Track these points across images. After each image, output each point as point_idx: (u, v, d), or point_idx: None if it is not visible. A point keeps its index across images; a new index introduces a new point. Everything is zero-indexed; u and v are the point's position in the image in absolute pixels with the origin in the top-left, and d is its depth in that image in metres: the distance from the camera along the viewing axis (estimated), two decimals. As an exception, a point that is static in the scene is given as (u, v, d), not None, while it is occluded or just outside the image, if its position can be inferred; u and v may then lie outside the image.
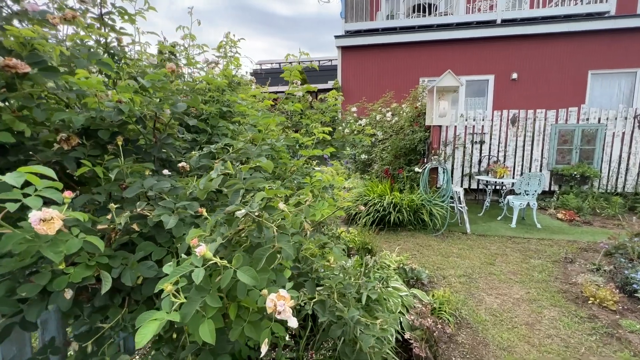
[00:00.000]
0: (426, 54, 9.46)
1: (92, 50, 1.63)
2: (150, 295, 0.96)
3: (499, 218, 6.14)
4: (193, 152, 1.29)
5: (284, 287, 0.77)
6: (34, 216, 0.67)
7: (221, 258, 0.73)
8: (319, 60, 20.21)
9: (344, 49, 10.05)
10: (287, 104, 2.01)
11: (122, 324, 0.93)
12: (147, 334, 0.60)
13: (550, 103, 8.36)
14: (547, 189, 7.41)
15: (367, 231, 4.16)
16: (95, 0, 1.56)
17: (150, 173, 1.16)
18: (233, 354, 1.00)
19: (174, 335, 0.93)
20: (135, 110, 1.07)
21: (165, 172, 1.28)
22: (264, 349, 0.72)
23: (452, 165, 7.67)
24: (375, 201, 5.43)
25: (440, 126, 5.43)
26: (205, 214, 0.85)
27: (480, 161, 7.61)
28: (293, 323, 0.75)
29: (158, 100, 1.13)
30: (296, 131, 2.67)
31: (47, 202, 0.75)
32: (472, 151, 7.58)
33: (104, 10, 1.60)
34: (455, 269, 4.02)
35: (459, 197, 5.46)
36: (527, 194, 5.59)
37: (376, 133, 7.49)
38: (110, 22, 1.67)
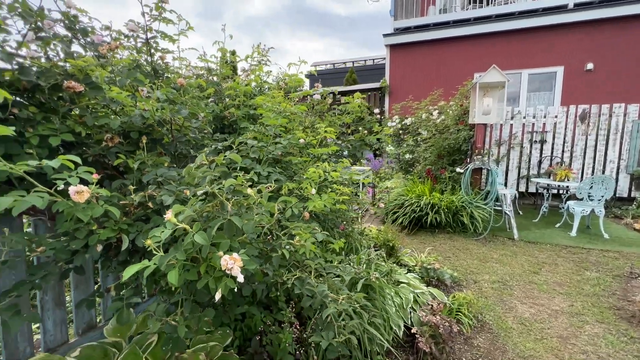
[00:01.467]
0: (482, 47, 8.88)
1: (141, 69, 2.05)
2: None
3: (558, 225, 5.56)
4: (205, 149, 1.59)
5: (237, 253, 0.99)
6: (71, 189, 1.00)
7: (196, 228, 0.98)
8: (373, 59, 20.02)
9: (392, 47, 9.94)
10: (301, 107, 2.23)
11: (137, 275, 1.25)
12: (129, 272, 0.88)
13: (632, 97, 7.22)
14: (625, 195, 6.44)
15: (396, 230, 4.18)
16: (144, 28, 1.98)
17: (168, 165, 1.48)
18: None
19: (172, 288, 1.22)
20: (155, 115, 1.40)
21: (191, 165, 1.61)
22: (217, 295, 0.95)
23: (507, 167, 7.11)
24: (412, 201, 5.37)
25: (485, 124, 5.14)
26: (188, 194, 1.11)
27: (540, 162, 6.92)
28: (240, 278, 0.97)
29: (170, 108, 1.45)
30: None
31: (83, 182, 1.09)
32: (530, 151, 6.94)
33: (149, 35, 2.00)
34: (491, 275, 3.83)
35: (506, 200, 5.10)
36: (592, 200, 4.98)
37: (421, 132, 7.31)
38: (154, 44, 2.08)
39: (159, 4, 1.90)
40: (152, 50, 2.05)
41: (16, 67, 1.17)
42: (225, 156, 1.14)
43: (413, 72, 9.75)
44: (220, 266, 1.02)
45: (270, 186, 1.23)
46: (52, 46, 1.52)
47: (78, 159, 0.96)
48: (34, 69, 1.25)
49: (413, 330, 2.35)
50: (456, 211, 5.13)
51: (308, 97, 3.08)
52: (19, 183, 1.35)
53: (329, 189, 2.10)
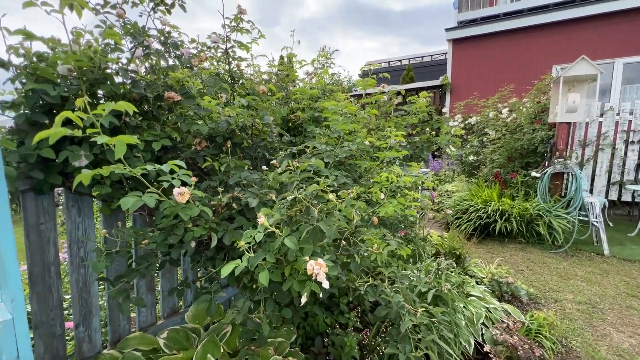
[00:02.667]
0: (564, 36, 7.90)
1: (220, 77, 2.20)
2: (240, 255, 1.34)
3: (662, 241, 4.71)
4: (280, 152, 1.65)
5: (322, 258, 1.00)
6: (175, 190, 1.10)
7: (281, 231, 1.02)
8: (431, 55, 19.11)
9: (456, 42, 9.35)
10: (365, 110, 2.20)
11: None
12: (226, 271, 0.94)
13: None
14: None
15: (462, 237, 3.91)
16: (223, 39, 2.13)
17: (248, 167, 1.57)
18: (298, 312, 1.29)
19: (254, 286, 1.29)
20: (238, 121, 1.49)
21: (265, 167, 1.69)
22: (303, 299, 0.98)
23: (593, 171, 6.22)
24: (479, 207, 4.98)
25: (569, 123, 4.56)
26: (273, 198, 1.16)
27: (639, 166, 5.93)
28: (326, 284, 0.98)
29: (252, 114, 1.53)
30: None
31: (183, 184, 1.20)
32: (625, 153, 5.98)
33: (228, 45, 2.15)
34: (575, 294, 3.39)
35: (594, 209, 4.46)
36: None
37: (488, 132, 6.76)
38: (232, 53, 2.22)
39: (238, 16, 2.02)
40: (230, 59, 2.19)
41: (129, 81, 1.35)
42: (310, 163, 1.17)
43: (478, 68, 9.06)
44: (304, 270, 1.04)
45: (352, 192, 1.22)
46: (149, 60, 1.72)
47: (182, 164, 1.06)
48: (142, 82, 1.42)
49: (486, 349, 2.17)
50: (530, 220, 4.64)
51: (364, 95, 3.03)
52: (126, 182, 1.54)
53: (399, 194, 2.04)
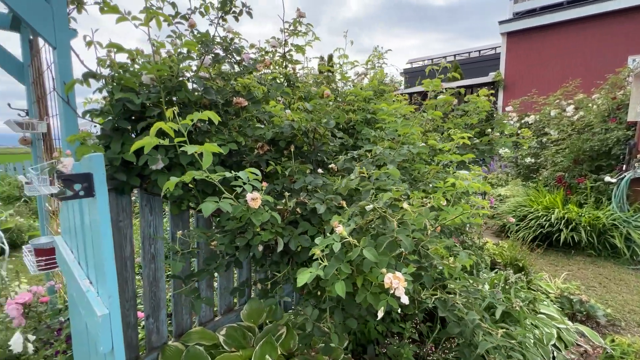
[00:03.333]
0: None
1: (278, 82, 2.23)
2: (304, 260, 1.33)
3: None
4: (340, 157, 1.62)
5: (399, 271, 0.95)
6: (248, 196, 1.12)
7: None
8: (479, 50, 18.07)
9: (510, 35, 8.70)
10: (428, 111, 2.10)
11: (287, 275, 1.35)
12: (303, 279, 0.92)
13: None
14: None
15: (522, 247, 3.60)
16: (281, 43, 2.15)
17: (309, 171, 1.56)
18: (359, 319, 1.25)
19: (318, 293, 1.27)
20: (301, 126, 1.49)
21: (320, 170, 1.68)
22: (380, 313, 0.93)
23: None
24: (539, 214, 4.57)
25: (654, 122, 4.00)
26: (345, 205, 1.13)
27: None
28: (405, 300, 0.92)
29: (312, 118, 1.51)
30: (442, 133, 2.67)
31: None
32: None
33: (286, 49, 2.17)
34: (663, 318, 2.95)
35: (685, 221, 3.88)
36: None
37: (548, 132, 6.19)
38: (288, 56, 2.24)
39: (298, 19, 2.03)
40: (286, 63, 2.21)
41: (202, 88, 1.40)
42: (387, 170, 1.12)
43: (536, 62, 8.35)
44: (378, 282, 1.00)
45: (430, 201, 1.15)
46: (216, 66, 1.78)
47: (257, 171, 1.07)
48: (212, 89, 1.47)
49: (560, 375, 1.96)
50: (603, 230, 4.15)
51: (428, 96, 2.89)
52: (194, 185, 1.61)
53: (462, 200, 1.91)
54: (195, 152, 0.89)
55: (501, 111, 8.68)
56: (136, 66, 1.45)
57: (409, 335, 2.01)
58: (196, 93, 1.42)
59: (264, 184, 1.19)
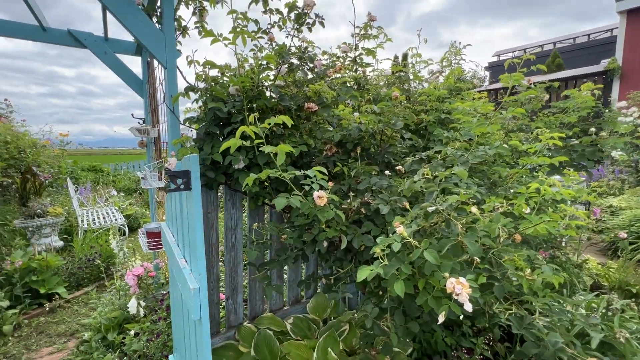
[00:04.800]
0: None
1: (348, 85, 2.30)
2: (367, 259, 1.36)
3: None
4: (407, 158, 1.60)
5: (463, 277, 0.92)
6: (315, 194, 1.20)
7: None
8: (587, 34, 15.41)
9: (631, 13, 7.21)
10: (508, 109, 1.91)
11: (349, 272, 1.40)
12: (362, 275, 0.96)
13: None
14: None
15: (638, 270, 2.97)
16: (352, 47, 2.21)
17: (376, 173, 1.58)
18: (420, 325, 1.23)
19: (380, 292, 1.28)
20: (368, 128, 1.52)
21: (387, 172, 1.68)
22: (441, 318, 0.91)
23: None
24: (667, 231, 3.70)
25: None
26: (408, 207, 1.12)
27: None
28: (468, 307, 0.89)
29: (380, 119, 1.53)
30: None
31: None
32: None
33: (356, 54, 2.23)
34: None
35: None
36: None
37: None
38: (359, 60, 2.29)
39: (368, 23, 2.07)
40: (356, 67, 2.26)
41: (277, 95, 1.55)
42: (453, 172, 1.09)
43: (671, 43, 6.76)
44: (441, 286, 0.97)
45: (501, 206, 1.07)
46: (292, 75, 1.93)
47: (324, 169, 1.15)
48: (287, 96, 1.62)
49: None
50: None
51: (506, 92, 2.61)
52: (269, 183, 1.77)
53: (550, 208, 1.69)
54: (271, 153, 1.01)
55: (616, 104, 7.25)
56: (225, 79, 1.67)
57: (480, 352, 1.86)
58: (273, 100, 1.57)
59: (330, 183, 1.26)
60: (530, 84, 2.34)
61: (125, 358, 2.30)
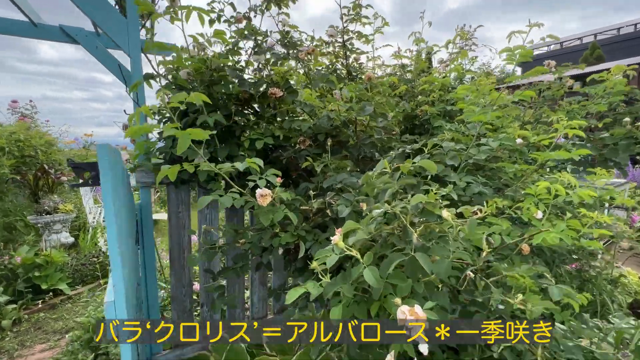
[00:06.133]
0: None
1: (335, 72, 2.08)
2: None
3: None
4: (391, 152, 1.36)
5: (428, 307, 0.68)
6: (258, 192, 1.00)
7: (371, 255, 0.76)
8: (635, 24, 14.16)
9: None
10: (516, 93, 1.61)
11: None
12: (292, 296, 0.75)
13: None
14: None
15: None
16: (341, 32, 1.99)
17: (350, 169, 1.35)
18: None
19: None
20: (340, 116, 1.30)
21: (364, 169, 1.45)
22: (389, 358, 0.68)
23: None
24: None
25: None
26: (364, 208, 0.90)
27: None
28: (423, 348, 0.65)
29: (351, 106, 1.30)
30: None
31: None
32: None
33: (345, 38, 2.00)
34: None
35: None
36: None
37: None
38: (349, 45, 2.06)
39: (357, 2, 1.84)
40: (347, 53, 2.04)
41: (237, 80, 1.37)
42: (414, 162, 0.85)
43: None
44: (393, 313, 0.74)
45: (481, 210, 0.82)
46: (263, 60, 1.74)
47: (260, 162, 0.95)
48: (251, 81, 1.43)
49: None
50: None
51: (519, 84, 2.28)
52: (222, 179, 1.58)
53: (568, 213, 1.38)
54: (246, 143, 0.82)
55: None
56: (188, 64, 1.51)
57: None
58: (234, 86, 1.39)
59: (279, 179, 1.05)
60: (558, 78, 1.99)
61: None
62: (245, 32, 1.48)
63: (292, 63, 1.83)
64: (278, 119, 1.48)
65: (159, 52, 1.41)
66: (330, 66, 2.22)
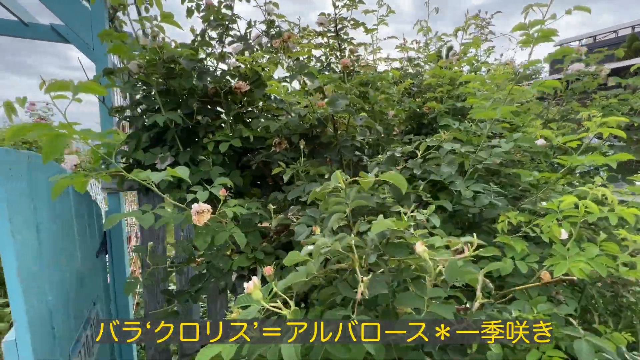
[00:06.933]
0: None
1: (329, 66, 1.87)
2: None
3: None
4: (378, 156, 1.13)
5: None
6: (194, 207, 0.80)
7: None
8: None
9: None
10: (547, 82, 1.33)
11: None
12: (203, 357, 0.54)
13: None
14: None
15: None
16: (334, 20, 1.77)
17: (328, 175, 1.13)
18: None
19: None
20: (313, 113, 1.08)
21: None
22: None
23: None
24: None
25: None
26: (317, 232, 0.68)
27: None
28: None
29: (327, 101, 1.08)
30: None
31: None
32: None
33: (339, 26, 1.77)
34: None
35: None
36: None
37: None
38: (344, 35, 1.83)
39: (349, -17, 1.61)
40: (340, 43, 1.81)
41: (195, 73, 1.18)
42: (378, 175, 0.61)
43: None
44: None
45: (472, 245, 0.56)
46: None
47: (185, 172, 0.75)
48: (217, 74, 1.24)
49: None
50: None
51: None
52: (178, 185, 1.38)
53: (602, 234, 1.09)
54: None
55: None
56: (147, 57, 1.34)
57: None
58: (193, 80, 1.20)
59: (223, 191, 0.85)
60: (580, 52, 1.67)
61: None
62: (211, 18, 1.29)
63: (282, 56, 1.64)
64: (246, 118, 1.28)
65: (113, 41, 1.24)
66: (325, 59, 2.00)
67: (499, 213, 1.29)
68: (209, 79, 1.17)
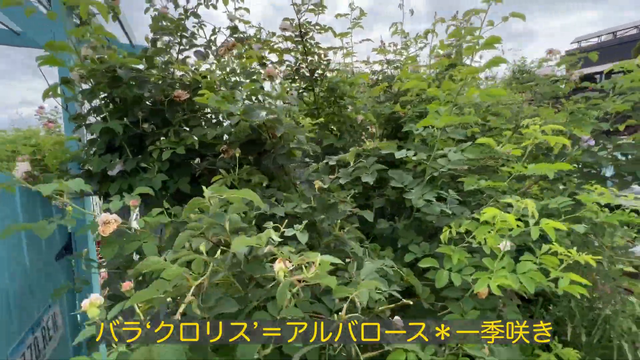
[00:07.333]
0: None
1: (297, 72, 1.86)
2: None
3: None
4: (315, 165, 1.12)
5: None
6: (100, 218, 0.81)
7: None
8: None
9: None
10: (481, 94, 1.28)
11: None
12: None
13: None
14: None
15: None
16: (299, 26, 1.76)
17: (265, 186, 1.13)
18: None
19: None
20: (247, 122, 1.08)
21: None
22: None
23: None
24: None
25: None
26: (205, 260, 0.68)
27: None
28: None
29: (250, 107, 1.07)
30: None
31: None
32: None
33: (303, 31, 1.76)
34: None
35: None
36: None
37: None
38: (311, 40, 1.82)
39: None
40: (306, 48, 1.80)
41: (135, 82, 1.20)
42: (223, 198, 0.59)
43: None
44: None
45: (314, 263, 0.53)
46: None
47: (80, 183, 0.76)
48: (160, 82, 1.25)
49: None
50: None
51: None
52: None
53: (544, 247, 1.04)
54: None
55: None
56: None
57: None
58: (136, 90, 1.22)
59: (134, 202, 0.86)
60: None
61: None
62: (163, 23, 1.30)
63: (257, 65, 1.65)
64: (190, 125, 1.29)
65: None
66: (293, 65, 2.00)
67: (451, 222, 1.26)
68: (149, 87, 1.19)
